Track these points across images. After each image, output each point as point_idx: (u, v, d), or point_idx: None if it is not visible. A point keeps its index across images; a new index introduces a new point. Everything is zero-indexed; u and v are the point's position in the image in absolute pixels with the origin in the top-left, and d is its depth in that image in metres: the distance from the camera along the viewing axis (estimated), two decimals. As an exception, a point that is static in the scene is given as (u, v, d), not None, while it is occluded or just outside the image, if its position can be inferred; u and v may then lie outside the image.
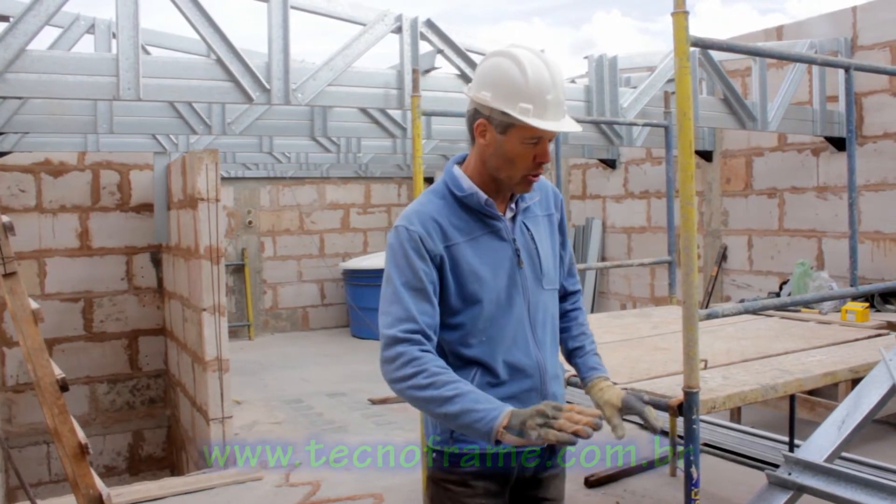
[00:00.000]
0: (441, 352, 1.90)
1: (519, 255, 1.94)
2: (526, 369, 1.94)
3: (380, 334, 1.84)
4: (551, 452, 2.05)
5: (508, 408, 1.71)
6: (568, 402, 1.83)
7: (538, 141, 1.83)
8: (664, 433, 2.19)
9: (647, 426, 2.03)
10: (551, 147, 1.93)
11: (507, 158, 1.85)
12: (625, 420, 2.09)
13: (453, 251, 1.85)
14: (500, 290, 1.89)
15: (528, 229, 1.98)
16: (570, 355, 2.20)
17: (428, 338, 1.81)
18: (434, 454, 1.97)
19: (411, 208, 1.90)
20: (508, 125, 1.81)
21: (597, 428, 1.69)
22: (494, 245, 1.91)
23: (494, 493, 1.97)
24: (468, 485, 1.94)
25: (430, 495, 2.02)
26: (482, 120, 1.85)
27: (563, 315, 2.18)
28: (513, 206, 1.96)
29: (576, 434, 1.67)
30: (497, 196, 1.93)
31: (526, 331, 1.94)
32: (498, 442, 1.70)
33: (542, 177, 1.98)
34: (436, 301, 1.84)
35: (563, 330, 2.17)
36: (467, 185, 1.90)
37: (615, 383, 2.56)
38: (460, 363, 1.90)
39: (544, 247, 2.01)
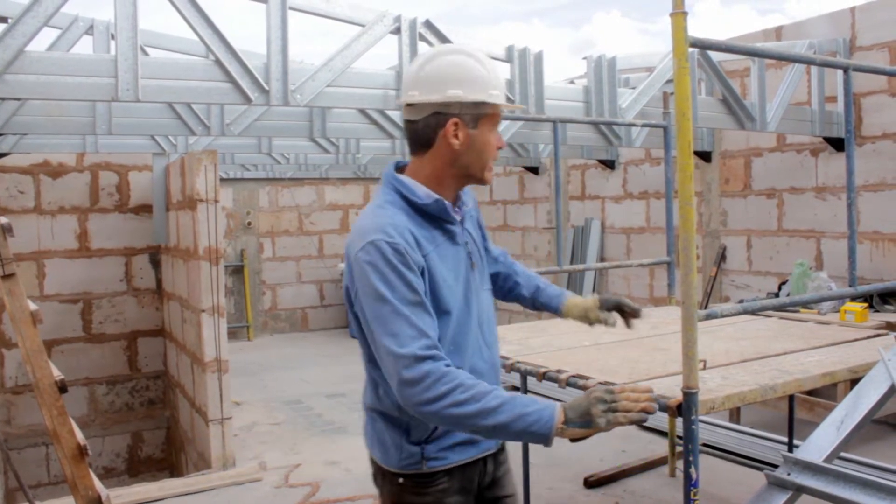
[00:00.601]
0: None
1: (471, 259, 1.96)
2: (484, 372, 1.92)
3: (388, 360, 1.71)
4: (501, 447, 2.08)
5: (558, 404, 1.71)
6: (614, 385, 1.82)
7: (497, 126, 1.90)
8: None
9: (627, 314, 2.28)
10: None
11: (479, 151, 1.86)
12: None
13: (428, 261, 1.81)
14: (461, 296, 1.89)
15: (469, 232, 1.99)
16: (534, 300, 2.34)
17: (439, 349, 1.73)
18: (401, 479, 1.89)
19: (379, 221, 1.79)
20: (479, 117, 1.84)
21: (656, 401, 1.78)
22: (452, 251, 1.90)
23: (465, 502, 1.96)
24: (442, 502, 1.90)
25: None
26: (454, 120, 1.82)
27: (507, 277, 2.34)
28: (457, 209, 1.94)
29: (644, 411, 1.72)
30: (450, 202, 1.93)
31: (479, 333, 1.94)
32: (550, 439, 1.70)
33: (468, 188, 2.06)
34: (432, 312, 1.78)
35: (515, 285, 2.33)
36: (424, 192, 1.86)
37: (612, 383, 2.60)
38: None
39: (479, 248, 2.04)
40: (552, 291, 2.35)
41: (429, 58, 1.88)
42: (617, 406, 1.70)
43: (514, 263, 2.39)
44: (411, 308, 1.72)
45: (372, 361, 1.87)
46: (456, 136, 1.83)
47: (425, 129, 1.85)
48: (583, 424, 1.69)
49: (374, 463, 1.99)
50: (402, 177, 1.89)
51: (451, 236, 1.90)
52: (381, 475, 1.96)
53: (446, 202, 1.88)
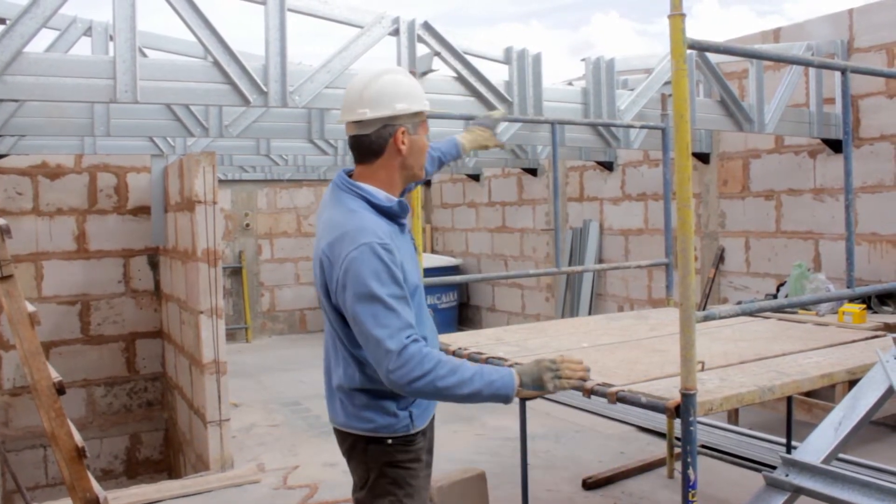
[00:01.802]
0: None
1: (413, 243, 2.34)
2: (432, 337, 2.31)
3: (380, 349, 1.98)
4: None
5: (513, 370, 2.11)
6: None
7: (427, 129, 2.27)
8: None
9: (490, 121, 3.06)
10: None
11: (418, 151, 2.22)
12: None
13: (398, 255, 2.10)
14: (417, 277, 2.23)
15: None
16: (438, 158, 2.82)
17: (421, 338, 2.05)
18: (390, 440, 2.18)
19: (360, 224, 2.07)
20: (418, 123, 2.20)
21: (589, 372, 2.24)
22: (405, 240, 2.24)
23: (430, 462, 2.35)
24: (420, 459, 2.25)
25: (391, 479, 2.19)
26: (402, 129, 2.15)
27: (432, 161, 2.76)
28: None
29: (581, 379, 2.19)
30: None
31: (423, 304, 2.29)
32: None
33: None
34: (412, 304, 2.10)
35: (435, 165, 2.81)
36: (384, 196, 2.18)
37: (611, 384, 2.60)
38: None
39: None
40: (444, 146, 2.87)
41: (368, 81, 2.18)
42: (560, 374, 2.12)
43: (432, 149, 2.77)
44: (398, 302, 2.01)
45: (349, 352, 2.16)
46: (403, 143, 2.17)
47: (378, 140, 2.16)
48: (535, 387, 2.10)
49: (348, 437, 2.24)
50: (361, 184, 2.18)
51: (402, 229, 2.25)
52: (365, 443, 2.20)
53: (404, 202, 2.21)
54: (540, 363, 2.11)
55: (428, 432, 2.32)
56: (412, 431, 2.21)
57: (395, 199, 2.19)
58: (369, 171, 2.19)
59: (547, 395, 2.03)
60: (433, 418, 2.40)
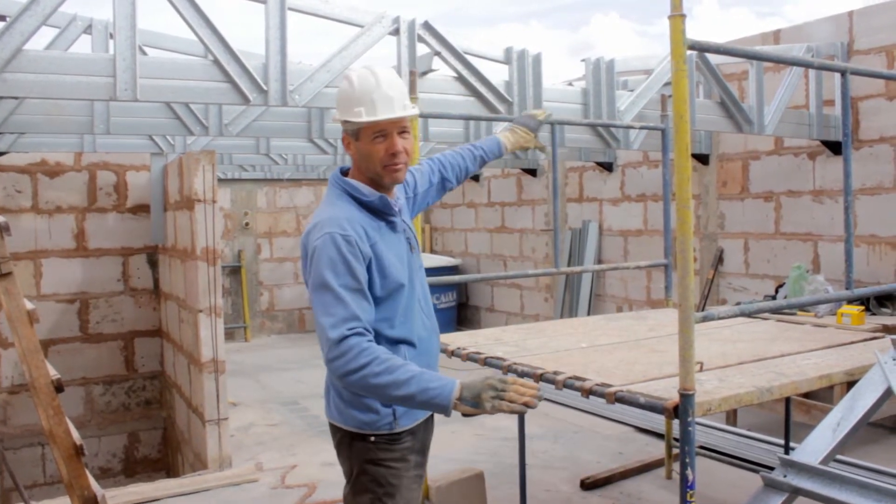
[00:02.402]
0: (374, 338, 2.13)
1: (410, 243, 2.30)
2: (425, 337, 2.29)
3: (323, 337, 2.01)
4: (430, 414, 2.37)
5: (457, 382, 1.96)
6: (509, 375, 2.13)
7: (384, 135, 2.16)
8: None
9: (534, 122, 2.98)
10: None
11: (367, 159, 2.17)
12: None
13: (375, 249, 2.13)
14: (405, 275, 2.21)
15: (405, 220, 2.33)
16: (481, 157, 2.82)
17: (369, 331, 2.04)
18: (373, 438, 2.18)
19: (332, 214, 2.11)
20: (357, 131, 2.17)
21: (540, 399, 1.98)
22: (394, 238, 2.23)
23: (420, 463, 2.31)
24: (406, 459, 2.23)
25: (372, 477, 2.19)
26: (344, 135, 2.21)
27: (453, 166, 2.71)
28: (394, 202, 2.26)
29: (525, 405, 1.95)
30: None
31: (421, 305, 2.29)
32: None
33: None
34: (370, 298, 2.09)
35: (464, 166, 2.76)
36: (368, 190, 2.19)
37: (609, 384, 2.60)
38: (388, 343, 2.15)
39: (414, 234, 2.37)
40: (487, 146, 2.85)
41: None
42: (504, 395, 1.94)
43: (443, 156, 2.73)
44: (350, 293, 2.02)
45: None
46: (349, 148, 2.22)
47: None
48: (473, 404, 1.94)
49: (338, 431, 2.26)
50: (347, 178, 2.23)
51: (392, 226, 2.24)
52: (350, 439, 2.22)
53: (387, 198, 2.21)
54: (487, 380, 1.97)
55: (419, 433, 2.30)
56: (396, 430, 2.20)
57: (378, 193, 2.20)
58: (351, 169, 2.27)
59: (506, 412, 2.00)
60: (430, 420, 2.38)
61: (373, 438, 2.18)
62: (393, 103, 2.15)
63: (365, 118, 2.13)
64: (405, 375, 1.95)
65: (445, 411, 1.96)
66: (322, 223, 2.10)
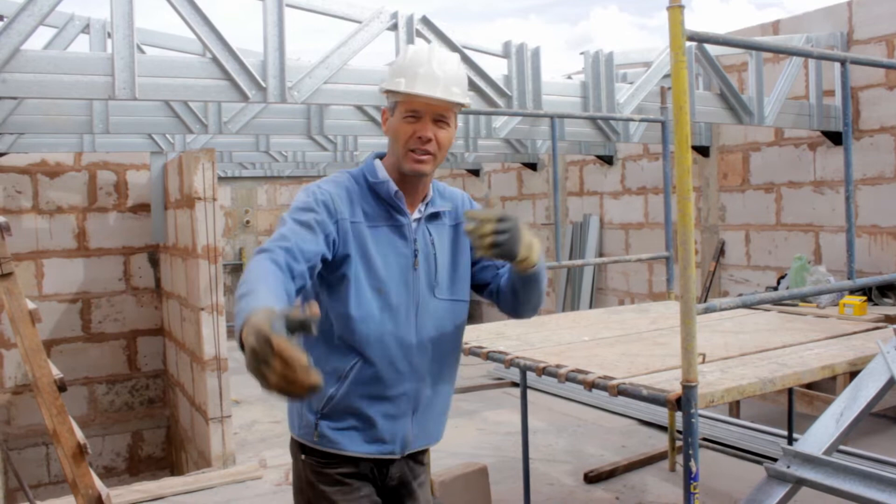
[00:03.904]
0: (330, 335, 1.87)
1: (416, 256, 1.96)
2: (404, 369, 1.92)
3: None
4: (416, 462, 2.06)
5: (259, 316, 1.38)
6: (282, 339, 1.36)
7: (418, 116, 1.90)
8: None
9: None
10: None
11: (395, 136, 1.93)
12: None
13: (356, 228, 1.88)
14: (387, 282, 1.90)
15: (430, 234, 2.00)
16: (507, 288, 2.08)
17: (293, 256, 1.71)
18: (303, 456, 1.94)
19: (325, 179, 1.95)
20: (394, 104, 1.94)
21: (310, 393, 1.38)
22: (392, 239, 1.94)
23: (368, 493, 1.95)
24: (344, 483, 1.92)
25: (305, 498, 1.97)
26: (384, 109, 1.99)
27: (499, 287, 2.11)
28: (422, 208, 2.00)
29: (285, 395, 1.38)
30: (409, 194, 1.97)
31: (411, 334, 1.93)
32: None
33: (458, 190, 2.14)
34: (321, 242, 1.79)
35: (501, 287, 2.09)
36: (382, 175, 1.96)
37: (612, 377, 2.59)
38: (338, 348, 1.88)
39: (443, 255, 2.01)
40: (505, 275, 2.12)
41: None
42: (268, 377, 1.34)
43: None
44: (297, 226, 1.78)
45: None
46: (385, 123, 1.99)
47: None
48: (241, 349, 1.43)
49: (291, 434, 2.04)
50: (375, 160, 2.01)
51: (396, 224, 1.95)
52: (291, 448, 2.02)
53: (393, 187, 1.94)
54: (258, 344, 1.33)
55: (366, 464, 1.94)
56: (322, 448, 1.91)
57: (387, 178, 1.96)
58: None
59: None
60: (410, 458, 2.02)
61: (303, 457, 1.95)
62: (436, 83, 1.89)
63: (403, 89, 1.89)
64: (244, 289, 1.57)
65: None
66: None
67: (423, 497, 2.09)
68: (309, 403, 1.90)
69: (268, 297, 1.53)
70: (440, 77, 1.90)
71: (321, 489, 1.92)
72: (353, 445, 1.91)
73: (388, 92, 1.94)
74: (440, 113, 1.91)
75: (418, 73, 1.89)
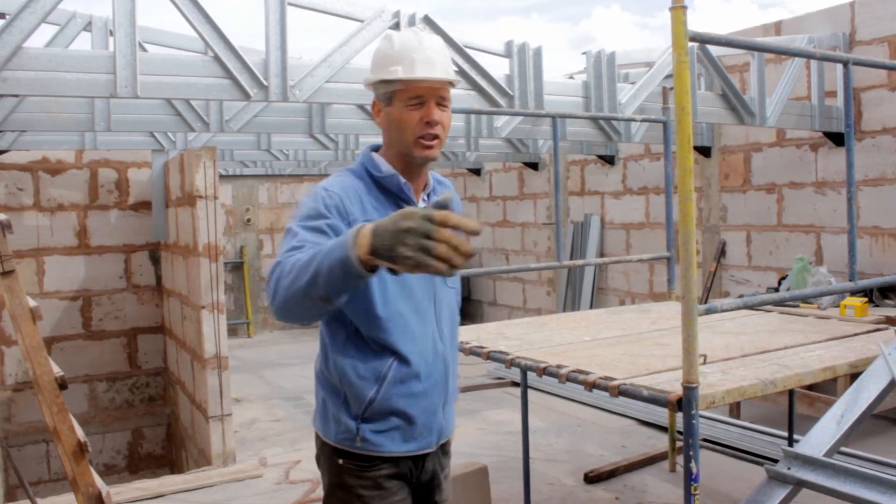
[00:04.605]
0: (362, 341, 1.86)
1: None
2: (431, 362, 1.93)
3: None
4: (444, 454, 2.07)
5: (367, 226, 1.45)
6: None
7: (421, 102, 1.88)
8: None
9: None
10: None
11: (397, 126, 1.90)
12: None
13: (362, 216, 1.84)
14: (409, 277, 1.84)
15: None
16: None
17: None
18: (341, 461, 1.90)
19: (329, 180, 1.89)
20: (391, 94, 1.90)
21: (472, 254, 1.41)
22: None
23: (410, 495, 1.96)
24: (382, 487, 1.90)
25: (340, 502, 1.93)
26: (374, 100, 1.95)
27: None
28: (426, 197, 1.99)
29: (455, 267, 1.38)
30: (413, 183, 1.96)
31: (435, 322, 1.95)
32: (370, 270, 1.46)
33: (449, 182, 2.13)
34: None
35: None
36: (386, 167, 1.93)
37: (613, 378, 2.59)
38: (373, 349, 1.87)
39: None
40: None
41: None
42: (432, 249, 1.36)
43: None
44: (308, 232, 1.72)
45: (327, 325, 1.90)
46: (378, 115, 1.95)
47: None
48: (389, 258, 1.41)
49: (318, 439, 1.99)
50: (373, 154, 1.98)
51: None
52: (323, 454, 1.96)
53: (402, 179, 1.92)
54: (405, 219, 1.38)
55: (405, 463, 1.94)
56: (362, 452, 1.89)
57: (392, 171, 1.93)
58: (383, 146, 2.01)
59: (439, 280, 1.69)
60: (439, 450, 2.03)
61: (341, 461, 1.91)
62: (434, 65, 1.88)
63: (403, 76, 1.86)
64: (305, 258, 1.55)
65: (352, 269, 1.45)
66: (317, 186, 1.89)
67: (447, 488, 2.10)
68: (347, 409, 1.88)
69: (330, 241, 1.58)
70: (435, 59, 1.90)
71: (359, 493, 1.90)
72: (396, 445, 1.91)
73: (382, 82, 1.90)
74: (441, 94, 1.91)
75: (415, 58, 1.88)
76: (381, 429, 1.88)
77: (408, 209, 1.42)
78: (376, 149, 2.01)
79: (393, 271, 1.47)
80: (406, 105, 1.88)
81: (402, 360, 1.88)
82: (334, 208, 1.80)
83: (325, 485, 1.99)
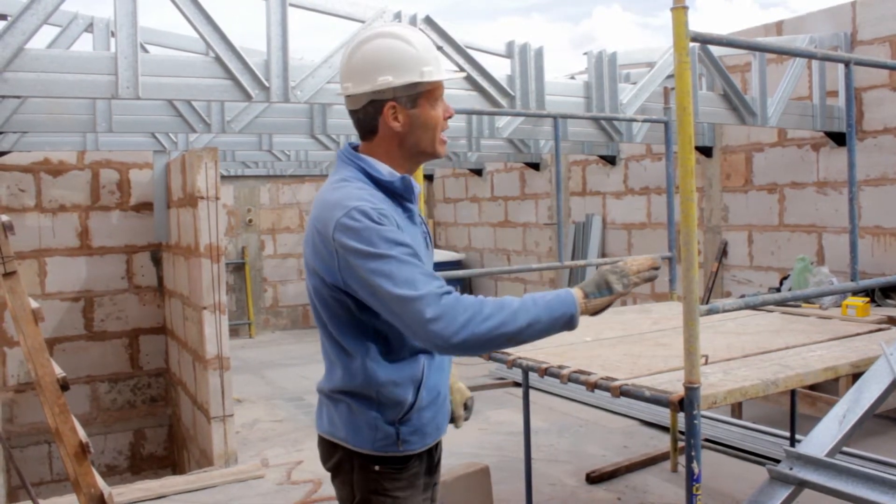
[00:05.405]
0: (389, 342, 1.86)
1: (426, 239, 2.00)
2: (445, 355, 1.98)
3: (409, 304, 1.68)
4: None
5: (571, 288, 1.83)
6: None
7: (440, 98, 1.91)
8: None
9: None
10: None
11: (426, 127, 1.88)
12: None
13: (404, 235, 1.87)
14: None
15: (420, 215, 2.03)
16: None
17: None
18: (377, 467, 1.88)
19: (353, 192, 1.81)
20: (417, 96, 1.85)
21: (659, 265, 1.97)
22: (413, 229, 1.92)
23: (429, 484, 2.03)
24: (414, 485, 1.93)
25: None
26: (390, 104, 1.84)
27: None
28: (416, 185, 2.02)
29: (652, 268, 1.93)
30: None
31: None
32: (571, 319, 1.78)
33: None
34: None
35: None
36: (387, 170, 1.89)
37: (614, 378, 2.59)
38: (411, 353, 1.88)
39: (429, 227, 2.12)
40: None
41: (355, 47, 1.89)
42: (628, 271, 1.87)
43: None
44: (413, 258, 1.74)
45: (337, 344, 1.87)
46: (396, 119, 1.86)
47: (366, 118, 1.88)
48: (601, 294, 1.83)
49: (336, 450, 1.92)
50: (363, 155, 1.91)
51: (410, 215, 1.93)
52: (350, 463, 1.90)
53: (410, 180, 1.91)
54: (600, 271, 1.85)
55: (428, 455, 2.00)
56: (399, 454, 1.89)
57: (399, 175, 1.89)
58: (370, 148, 1.92)
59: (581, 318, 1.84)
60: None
61: (377, 467, 1.88)
62: (441, 61, 1.91)
63: (436, 77, 1.85)
64: (516, 303, 1.73)
65: (573, 320, 1.77)
66: (340, 201, 1.77)
67: (439, 471, 2.16)
68: (384, 416, 1.87)
69: (528, 296, 1.79)
70: (439, 55, 1.92)
71: (395, 495, 1.90)
72: (429, 438, 1.96)
73: (409, 84, 1.84)
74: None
75: (437, 57, 1.89)
76: (419, 427, 1.91)
77: (603, 270, 1.88)
78: (354, 147, 1.95)
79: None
80: (433, 105, 1.89)
81: (432, 358, 1.93)
82: (399, 231, 1.79)
83: (353, 495, 1.92)
